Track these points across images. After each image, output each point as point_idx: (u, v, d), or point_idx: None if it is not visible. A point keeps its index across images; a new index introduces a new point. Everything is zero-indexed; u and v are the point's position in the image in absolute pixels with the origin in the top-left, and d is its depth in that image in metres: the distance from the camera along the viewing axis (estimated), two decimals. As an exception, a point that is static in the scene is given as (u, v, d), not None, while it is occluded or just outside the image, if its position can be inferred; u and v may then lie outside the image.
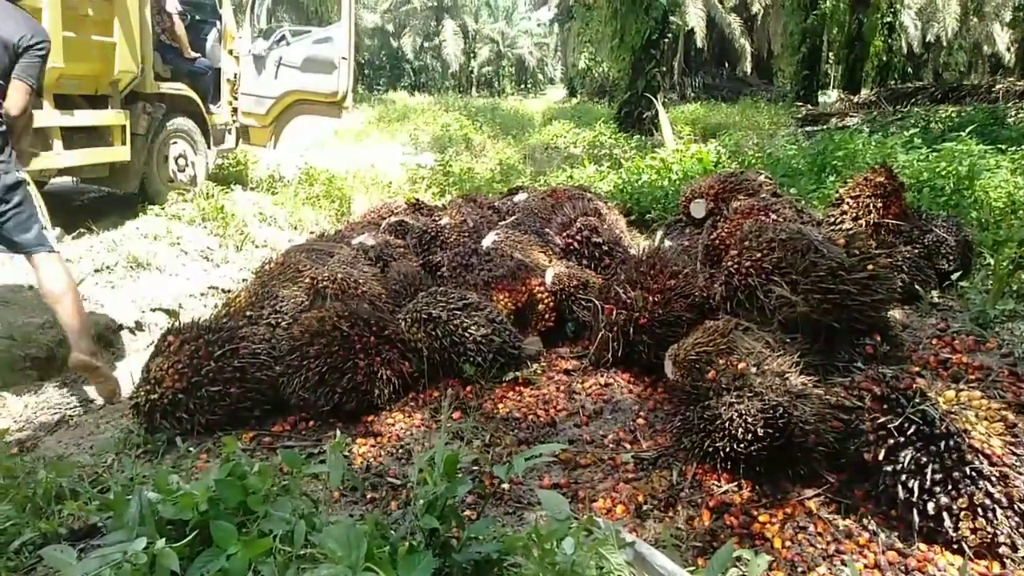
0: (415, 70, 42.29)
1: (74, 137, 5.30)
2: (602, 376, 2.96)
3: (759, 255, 2.71)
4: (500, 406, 2.76)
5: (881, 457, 1.92)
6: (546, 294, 3.44)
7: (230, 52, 7.31)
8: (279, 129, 7.92)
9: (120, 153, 5.71)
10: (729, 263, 2.84)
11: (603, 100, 27.41)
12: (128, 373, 3.24)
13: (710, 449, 2.15)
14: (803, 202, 4.56)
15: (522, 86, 57.05)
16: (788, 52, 21.09)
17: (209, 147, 7.06)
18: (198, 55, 6.87)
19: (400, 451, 2.48)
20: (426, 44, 40.54)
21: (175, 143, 6.57)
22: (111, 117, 5.62)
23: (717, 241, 3.53)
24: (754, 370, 2.21)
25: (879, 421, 1.98)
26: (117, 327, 4.04)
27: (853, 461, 2.04)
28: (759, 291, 2.64)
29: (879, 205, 3.70)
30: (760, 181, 4.35)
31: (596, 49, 27.98)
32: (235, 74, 7.43)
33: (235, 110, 7.54)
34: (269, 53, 7.50)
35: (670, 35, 15.72)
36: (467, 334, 2.89)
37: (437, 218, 4.77)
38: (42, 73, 3.10)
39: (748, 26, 28.77)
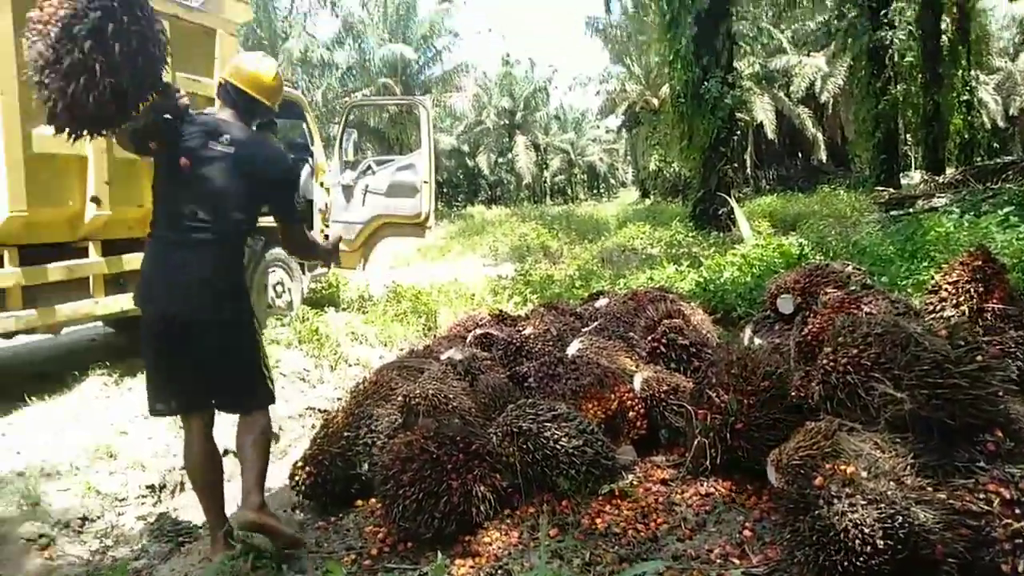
0: (490, 184, 44.10)
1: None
2: (702, 485, 2.86)
3: (855, 351, 2.62)
4: (598, 521, 2.69)
5: (1020, 569, 1.77)
6: (636, 401, 3.40)
7: (321, 184, 7.88)
8: (368, 251, 8.37)
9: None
10: (824, 361, 2.75)
11: (676, 199, 27.67)
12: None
13: (826, 563, 2.02)
14: (896, 291, 4.40)
15: (595, 191, 58.36)
16: (862, 138, 20.88)
17: (304, 273, 7.51)
18: None
19: (499, 572, 2.43)
20: (500, 160, 42.40)
21: (273, 271, 7.02)
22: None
23: (809, 337, 3.43)
24: (865, 474, 2.10)
25: (1012, 528, 1.83)
26: (222, 452, 4.21)
27: (988, 573, 1.88)
28: (860, 389, 2.54)
29: (980, 290, 3.53)
30: (848, 272, 4.25)
31: (665, 151, 28.59)
32: (326, 204, 7.97)
33: (326, 237, 8.02)
34: (357, 182, 8.05)
35: (739, 132, 15.92)
36: (559, 446, 2.87)
37: (521, 328, 4.85)
38: (296, 205, 3.13)
39: (818, 115, 28.77)
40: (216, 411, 2.87)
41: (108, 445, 3.97)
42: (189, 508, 3.56)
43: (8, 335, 4.70)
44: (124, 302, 4.99)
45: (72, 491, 3.56)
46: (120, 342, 6.20)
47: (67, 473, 3.71)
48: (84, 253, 4.87)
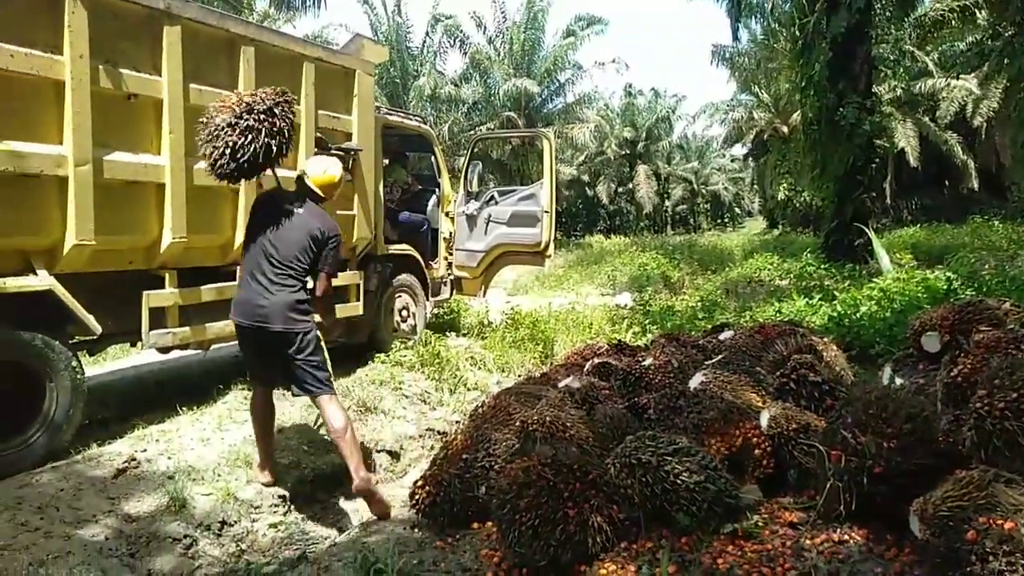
0: (610, 214, 43.91)
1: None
2: (835, 532, 2.67)
3: (1015, 395, 2.39)
4: (719, 561, 2.58)
5: None
6: (762, 438, 3.24)
7: (447, 214, 8.16)
8: (488, 279, 8.56)
9: (355, 308, 6.28)
10: (978, 404, 2.52)
11: (807, 229, 26.39)
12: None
13: (980, 627, 1.83)
14: (1064, 331, 3.96)
15: (718, 221, 56.83)
16: (1021, 164, 19.10)
17: (428, 299, 7.76)
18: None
19: (614, 606, 2.38)
20: (620, 189, 42.13)
21: (399, 297, 7.30)
22: (349, 277, 6.21)
23: (959, 379, 3.15)
24: (1026, 532, 1.89)
25: None
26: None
27: None
28: (1020, 437, 2.31)
29: None
30: (1005, 309, 3.90)
31: (796, 179, 27.38)
32: (450, 232, 8.24)
33: (450, 264, 8.29)
34: (480, 212, 8.26)
35: (877, 159, 14.96)
36: (679, 481, 2.78)
37: (640, 359, 4.77)
38: (336, 260, 4.10)
39: (969, 141, 26.57)
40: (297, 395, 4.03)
41: (246, 454, 4.25)
42: (315, 519, 3.74)
43: (166, 350, 5.15)
44: None
45: (214, 496, 3.83)
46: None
47: (210, 479, 3.99)
48: (232, 277, 5.27)
